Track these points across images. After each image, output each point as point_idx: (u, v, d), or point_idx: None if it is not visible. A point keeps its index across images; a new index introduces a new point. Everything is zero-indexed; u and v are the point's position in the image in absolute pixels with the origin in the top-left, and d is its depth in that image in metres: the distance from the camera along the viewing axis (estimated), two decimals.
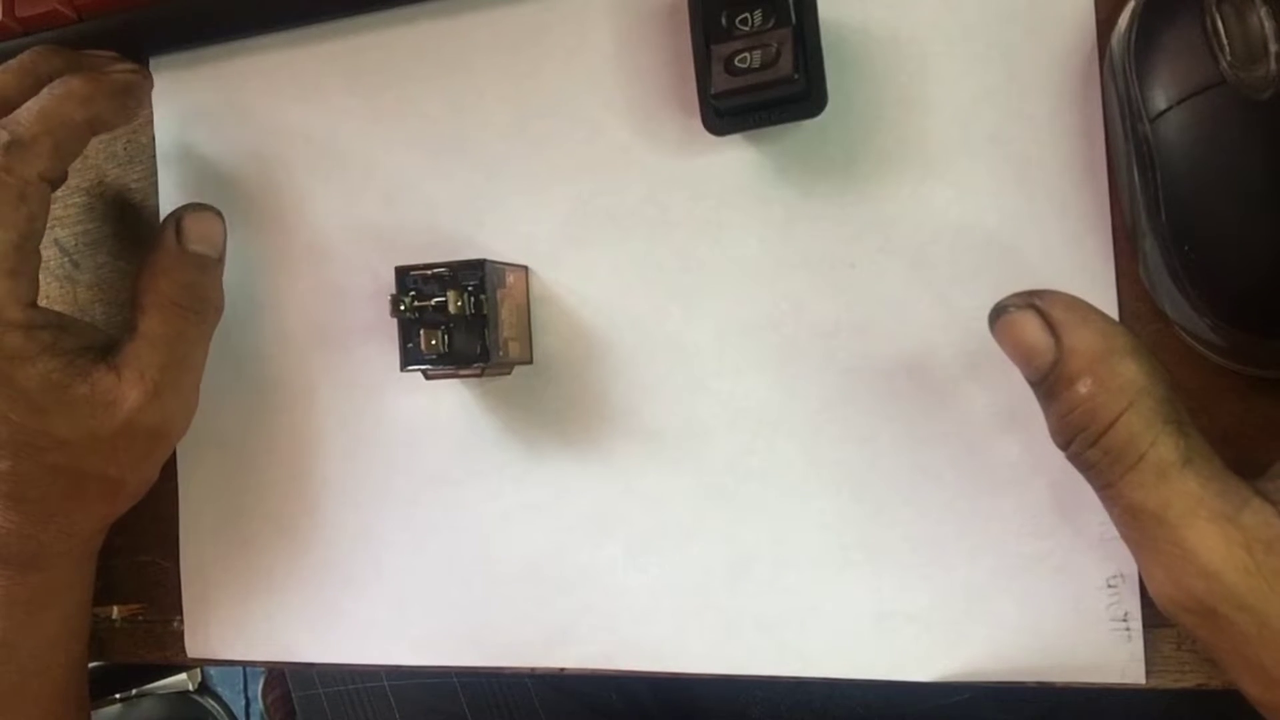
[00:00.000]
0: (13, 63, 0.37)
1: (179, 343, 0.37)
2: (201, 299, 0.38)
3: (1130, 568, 0.31)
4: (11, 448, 0.36)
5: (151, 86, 0.40)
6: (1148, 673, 0.32)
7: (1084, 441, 0.27)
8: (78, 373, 0.35)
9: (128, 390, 0.36)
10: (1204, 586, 0.26)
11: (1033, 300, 0.27)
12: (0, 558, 0.37)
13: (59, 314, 0.37)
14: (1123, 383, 0.26)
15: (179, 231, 0.37)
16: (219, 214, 0.39)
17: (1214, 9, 0.27)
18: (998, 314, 0.28)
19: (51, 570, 0.38)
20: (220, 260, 0.39)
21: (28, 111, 0.35)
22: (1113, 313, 0.32)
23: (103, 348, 0.37)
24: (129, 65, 0.38)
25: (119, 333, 0.38)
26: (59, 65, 0.37)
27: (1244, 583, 0.25)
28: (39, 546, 0.37)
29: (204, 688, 1.19)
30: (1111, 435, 0.26)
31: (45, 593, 0.38)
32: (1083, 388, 0.26)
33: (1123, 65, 0.29)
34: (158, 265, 0.37)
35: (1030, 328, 0.27)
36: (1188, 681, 0.32)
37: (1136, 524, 0.27)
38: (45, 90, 0.35)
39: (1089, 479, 0.28)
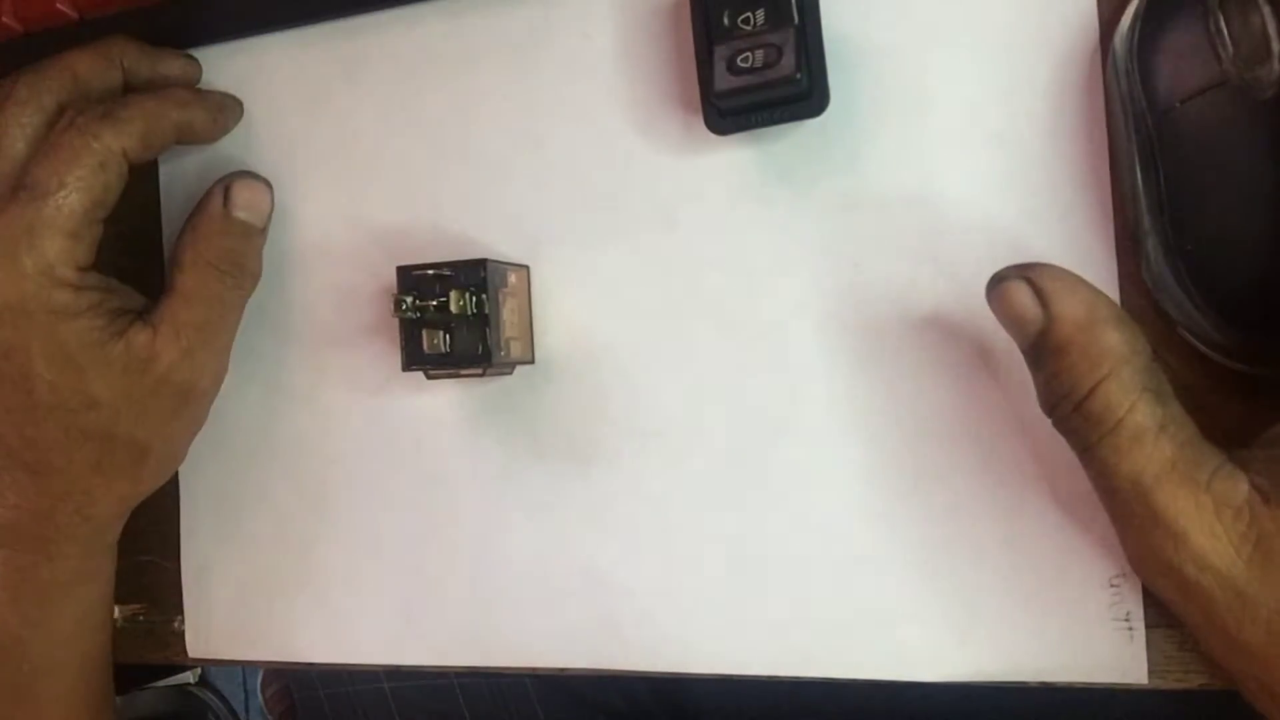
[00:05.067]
0: (92, 46, 0.38)
1: (215, 304, 0.38)
2: (239, 265, 0.38)
3: None
4: (42, 411, 0.36)
5: (242, 113, 0.41)
6: (1150, 673, 0.32)
7: (1066, 406, 0.28)
8: (117, 331, 0.36)
9: (162, 346, 0.37)
10: (1173, 549, 0.27)
11: (1025, 271, 0.28)
12: (11, 540, 0.37)
13: (107, 279, 0.38)
14: (1104, 350, 0.27)
15: (226, 197, 0.38)
16: (268, 185, 0.40)
17: (1217, 9, 0.27)
18: (993, 284, 0.29)
19: (64, 560, 0.38)
20: (263, 230, 0.39)
21: (126, 99, 0.37)
22: None
23: (142, 309, 0.38)
24: (223, 92, 0.41)
25: (138, 296, 0.38)
26: (135, 54, 0.39)
27: (1210, 545, 0.26)
28: (54, 530, 0.37)
29: (203, 681, 1.19)
30: (1091, 400, 0.27)
31: (56, 586, 0.38)
32: (1066, 354, 0.27)
33: (1125, 65, 0.29)
34: (201, 227, 0.38)
35: (1021, 296, 0.28)
36: (1190, 682, 0.32)
37: (1111, 487, 0.28)
38: (148, 91, 0.38)
39: (1070, 443, 0.29)
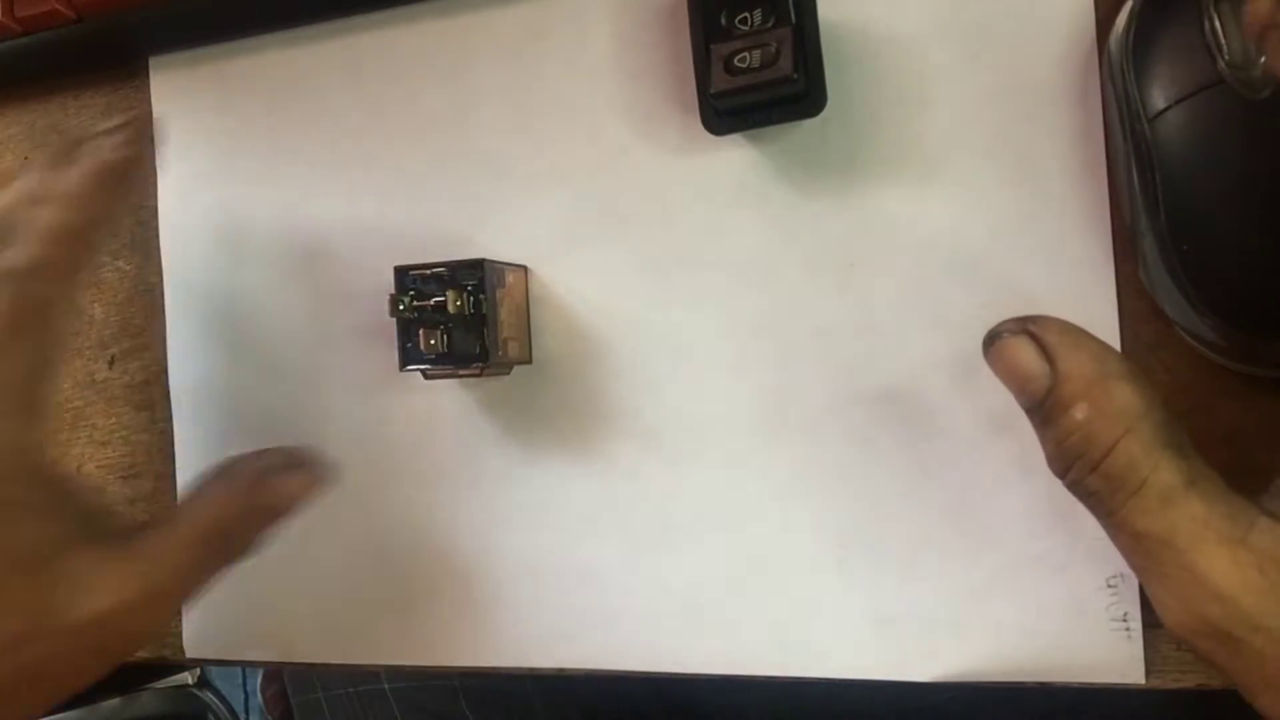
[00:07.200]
0: (37, 164, 0.34)
1: (189, 574, 0.33)
2: (241, 546, 0.34)
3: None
4: None
5: (144, 156, 0.35)
6: (1148, 673, 0.32)
7: (1082, 468, 0.26)
8: (64, 550, 0.31)
9: (113, 591, 0.31)
10: (1218, 611, 0.25)
11: (1026, 325, 0.27)
12: None
13: (65, 476, 0.33)
14: (1119, 407, 0.26)
15: (271, 478, 0.34)
16: (318, 479, 0.35)
17: (1211, 9, 0.27)
18: (991, 340, 0.28)
19: None
20: (287, 516, 0.35)
21: (30, 231, 0.32)
22: (1112, 313, 0.32)
23: (103, 528, 0.32)
24: (115, 140, 0.34)
25: (121, 518, 0.34)
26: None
27: (1259, 604, 0.25)
28: None
29: (203, 681, 1.19)
30: (1111, 461, 0.26)
31: None
32: (1079, 413, 0.26)
33: (1121, 65, 0.29)
34: (222, 496, 0.34)
35: (1024, 353, 0.27)
36: (1188, 682, 0.32)
37: (1143, 551, 0.26)
38: (43, 199, 0.33)
39: (1090, 507, 0.27)
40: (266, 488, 0.34)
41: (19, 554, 0.30)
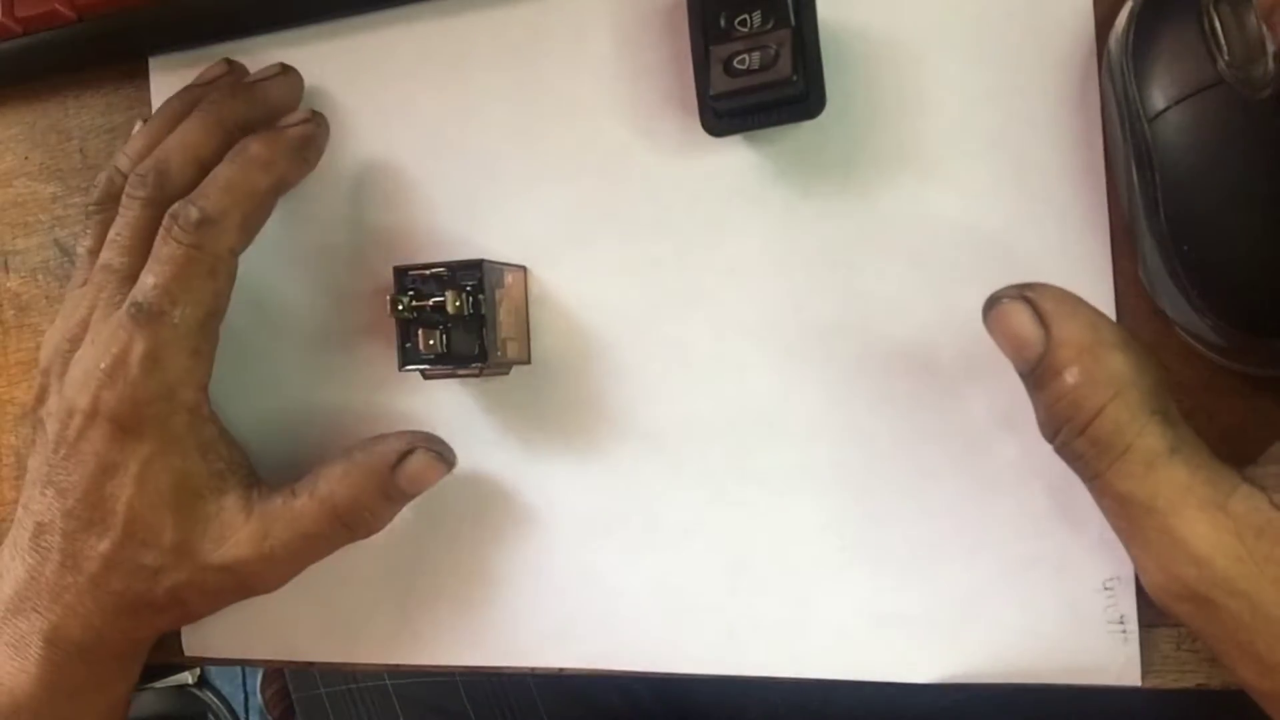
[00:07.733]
0: (198, 116, 0.37)
1: (318, 542, 0.36)
2: (366, 524, 0.37)
3: (1127, 569, 0.31)
4: (118, 532, 0.35)
5: (328, 134, 0.39)
6: (1145, 673, 0.32)
7: (1070, 431, 0.27)
8: (214, 490, 0.36)
9: (243, 544, 0.35)
10: (1195, 574, 0.26)
11: (1025, 292, 0.27)
12: (57, 639, 0.36)
13: (220, 420, 0.37)
14: (1109, 374, 0.26)
15: (399, 461, 0.36)
16: (448, 464, 0.37)
17: (1211, 9, 0.27)
18: (990, 305, 0.28)
19: (100, 665, 0.37)
20: (410, 499, 0.37)
21: (215, 185, 0.35)
22: (1111, 313, 0.32)
23: (247, 479, 0.37)
24: (303, 115, 0.38)
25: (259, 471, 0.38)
26: (241, 110, 0.37)
27: (1235, 569, 0.25)
28: (97, 640, 0.36)
29: (203, 681, 1.19)
30: (1097, 425, 0.26)
31: (88, 685, 0.37)
32: (1069, 378, 0.26)
33: (1121, 66, 0.29)
34: (352, 475, 0.36)
35: (1021, 318, 0.27)
36: (1186, 682, 0.32)
37: (1126, 514, 0.27)
38: (227, 159, 0.36)
39: (1077, 470, 0.28)
40: (398, 473, 0.36)
41: (178, 486, 0.35)
